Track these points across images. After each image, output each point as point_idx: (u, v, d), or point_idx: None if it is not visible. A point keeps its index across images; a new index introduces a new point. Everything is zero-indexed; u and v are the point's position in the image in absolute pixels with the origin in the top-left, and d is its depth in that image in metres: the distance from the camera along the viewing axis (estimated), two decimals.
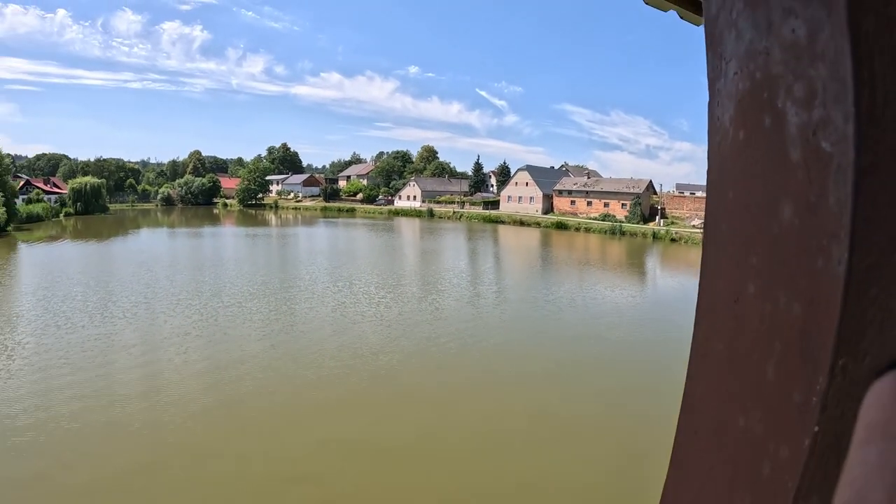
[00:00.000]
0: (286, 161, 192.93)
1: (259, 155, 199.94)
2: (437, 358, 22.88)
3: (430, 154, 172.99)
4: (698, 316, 0.89)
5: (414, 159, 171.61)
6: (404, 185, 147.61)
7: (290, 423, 16.33)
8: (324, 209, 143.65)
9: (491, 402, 18.42)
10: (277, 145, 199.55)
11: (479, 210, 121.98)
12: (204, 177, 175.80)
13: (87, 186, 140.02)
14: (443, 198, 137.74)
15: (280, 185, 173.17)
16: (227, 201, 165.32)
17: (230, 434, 15.72)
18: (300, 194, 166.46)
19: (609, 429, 16.69)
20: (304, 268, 46.10)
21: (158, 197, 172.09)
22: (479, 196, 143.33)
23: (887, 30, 0.62)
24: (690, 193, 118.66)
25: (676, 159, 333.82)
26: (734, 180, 0.90)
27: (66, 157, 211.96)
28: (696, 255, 72.66)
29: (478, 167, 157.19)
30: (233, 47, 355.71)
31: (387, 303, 32.80)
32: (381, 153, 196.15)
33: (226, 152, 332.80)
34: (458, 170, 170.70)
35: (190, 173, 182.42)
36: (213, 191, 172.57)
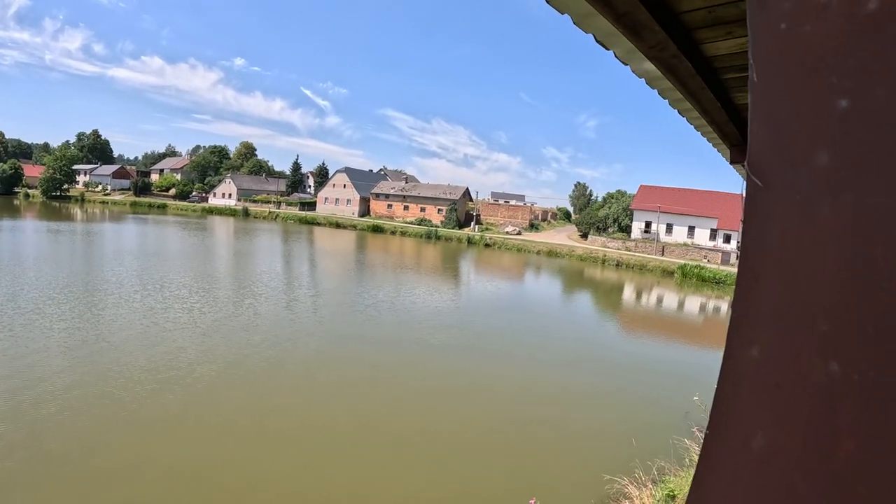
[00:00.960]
0: (96, 150, 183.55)
1: (67, 141, 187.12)
2: (256, 366, 22.38)
3: (248, 151, 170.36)
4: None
5: (232, 155, 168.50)
6: (220, 182, 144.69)
7: (96, 447, 15.32)
8: (133, 204, 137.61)
9: (315, 408, 18.49)
10: (88, 132, 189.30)
11: (295, 211, 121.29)
12: (5, 162, 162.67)
13: None
14: (259, 197, 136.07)
15: (88, 176, 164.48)
16: (30, 191, 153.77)
17: (29, 462, 14.40)
18: (109, 187, 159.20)
19: (437, 430, 17.15)
20: (111, 269, 43.66)
21: None
22: (296, 196, 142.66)
23: None
24: (505, 202, 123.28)
25: (493, 169, 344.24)
26: None
27: None
28: (508, 259, 75.78)
29: (296, 167, 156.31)
30: (51, 17, 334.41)
31: (201, 308, 31.79)
32: (198, 147, 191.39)
33: (32, 136, 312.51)
34: (277, 169, 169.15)
35: None
36: (15, 179, 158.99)
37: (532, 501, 10.97)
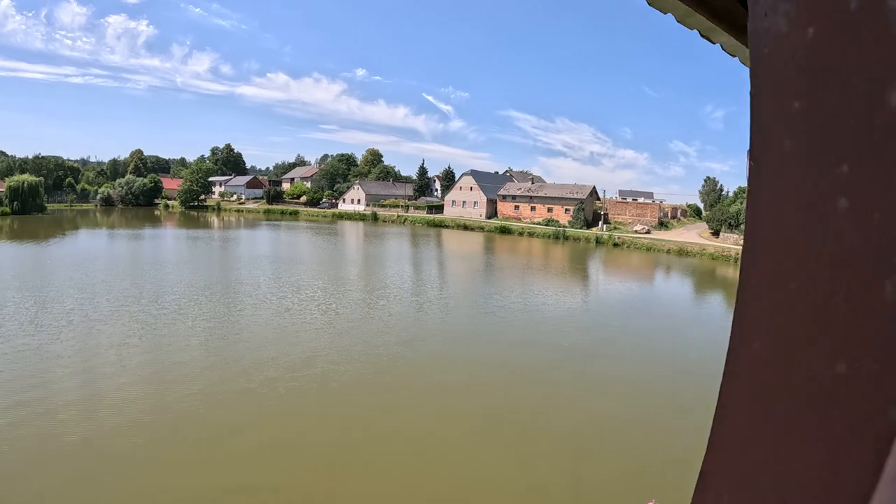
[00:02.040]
0: (230, 162, 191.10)
1: (202, 155, 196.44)
2: (390, 366, 22.45)
3: (375, 157, 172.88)
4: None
5: (359, 162, 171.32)
6: (349, 188, 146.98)
7: (234, 432, 15.96)
8: (267, 212, 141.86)
9: (447, 406, 18.39)
10: (221, 146, 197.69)
11: (423, 214, 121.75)
12: (145, 177, 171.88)
13: (25, 185, 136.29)
14: (387, 201, 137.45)
15: (223, 187, 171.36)
16: (169, 202, 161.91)
17: (169, 443, 15.29)
18: (243, 196, 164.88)
19: (567, 430, 16.80)
20: (248, 272, 45.23)
21: (98, 197, 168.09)
22: (423, 200, 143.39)
23: None
24: (632, 200, 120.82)
25: (619, 166, 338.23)
26: None
27: (3, 153, 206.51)
28: (637, 258, 73.93)
29: (423, 171, 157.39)
30: (179, 44, 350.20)
31: (336, 309, 32.17)
32: (326, 156, 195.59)
33: (168, 152, 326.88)
34: (403, 174, 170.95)
35: (131, 173, 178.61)
36: (155, 191, 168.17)
37: (651, 503, 10.62)
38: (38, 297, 33.94)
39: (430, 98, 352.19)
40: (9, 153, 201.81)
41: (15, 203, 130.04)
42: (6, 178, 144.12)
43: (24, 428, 16.09)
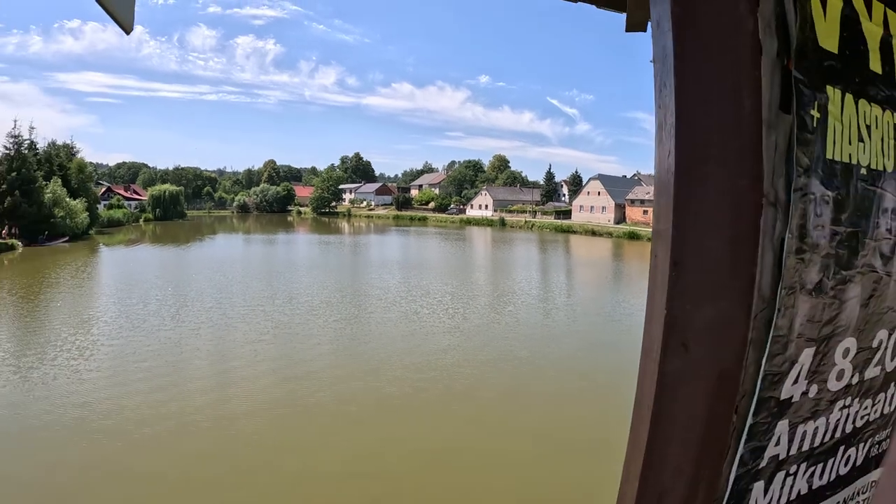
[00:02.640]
0: (359, 170, 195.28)
1: (332, 164, 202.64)
2: (514, 369, 22.38)
3: (501, 163, 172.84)
4: None
5: (486, 168, 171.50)
6: (476, 194, 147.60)
7: (355, 424, 16.45)
8: (396, 217, 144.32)
9: (565, 410, 18.36)
10: (350, 155, 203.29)
11: (550, 220, 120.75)
12: (279, 185, 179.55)
13: (166, 193, 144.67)
14: (514, 207, 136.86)
15: (353, 194, 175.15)
16: (301, 209, 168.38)
17: (294, 430, 16.06)
18: (373, 203, 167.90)
19: None
20: (378, 276, 46.15)
21: (234, 204, 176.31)
22: (550, 205, 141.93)
23: None
24: None
25: None
26: None
27: (145, 165, 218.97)
28: None
29: (549, 176, 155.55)
30: (305, 60, 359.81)
31: (464, 313, 32.24)
32: (453, 162, 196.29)
33: (300, 161, 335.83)
34: (530, 179, 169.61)
35: (265, 182, 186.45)
36: (288, 199, 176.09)
37: None
38: (180, 296, 35.93)
39: (554, 102, 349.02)
40: (150, 165, 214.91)
41: (157, 210, 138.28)
42: (149, 188, 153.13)
43: (163, 409, 17.50)
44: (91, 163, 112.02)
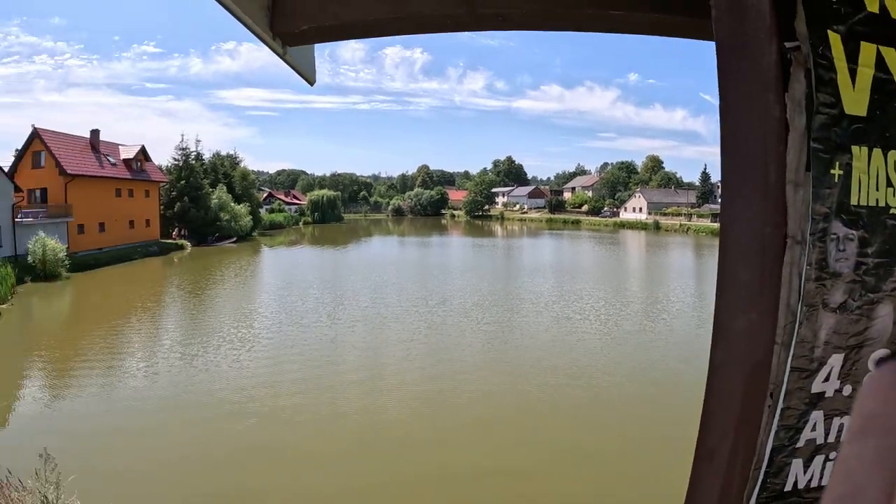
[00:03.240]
0: (511, 173, 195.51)
1: (485, 168, 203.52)
2: (664, 379, 21.98)
3: (655, 164, 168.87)
4: None
5: (639, 170, 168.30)
6: (629, 196, 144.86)
7: (497, 424, 16.91)
8: (549, 221, 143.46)
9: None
10: (502, 158, 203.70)
11: (706, 223, 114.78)
12: (432, 189, 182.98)
13: (324, 198, 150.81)
14: (669, 210, 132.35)
15: (506, 197, 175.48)
16: (455, 212, 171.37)
17: (440, 430, 16.58)
18: (525, 206, 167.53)
19: None
20: (530, 280, 46.39)
21: (389, 208, 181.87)
22: (706, 208, 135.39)
23: None
24: None
25: None
26: None
27: (303, 172, 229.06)
28: None
29: (705, 177, 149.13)
30: (452, 66, 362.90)
31: (616, 320, 31.72)
32: (606, 164, 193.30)
33: (452, 166, 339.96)
34: (685, 180, 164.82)
35: (419, 186, 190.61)
36: (441, 202, 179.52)
37: None
38: (336, 295, 37.87)
39: (707, 97, 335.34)
40: (309, 172, 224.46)
41: (316, 213, 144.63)
42: (308, 193, 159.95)
43: (315, 398, 19.12)
44: (253, 171, 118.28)
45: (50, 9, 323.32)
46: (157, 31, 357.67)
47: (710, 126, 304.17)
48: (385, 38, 2.82)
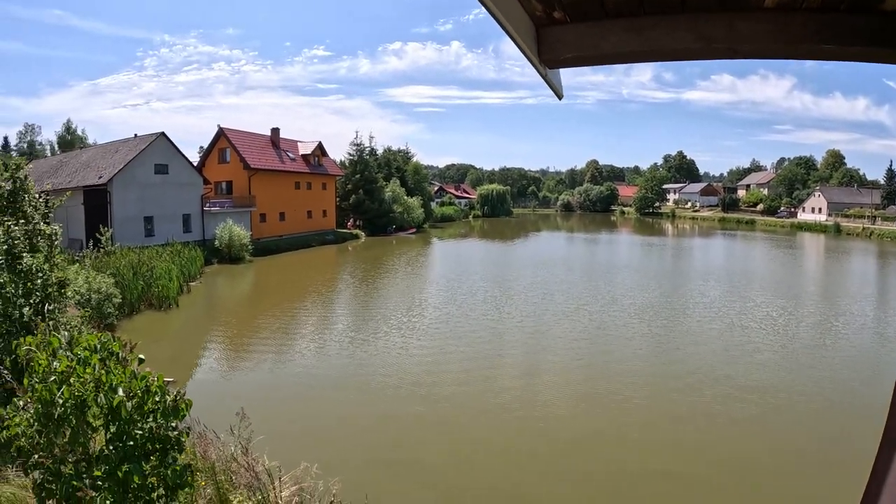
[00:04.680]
0: (682, 169, 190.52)
1: (655, 163, 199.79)
2: (839, 399, 20.48)
3: (836, 160, 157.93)
4: None
5: (818, 166, 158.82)
6: (808, 195, 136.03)
7: (660, 428, 16.67)
8: (721, 220, 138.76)
9: None
10: (672, 153, 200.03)
11: (892, 227, 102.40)
12: (601, 185, 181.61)
13: (494, 192, 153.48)
14: (851, 211, 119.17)
15: (676, 194, 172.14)
16: (624, 209, 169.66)
17: (597, 429, 16.56)
18: (697, 204, 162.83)
19: None
20: (701, 281, 45.04)
21: (558, 203, 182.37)
22: (892, 209, 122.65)
23: None
24: None
25: None
26: None
27: (472, 166, 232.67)
28: None
29: (891, 175, 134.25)
30: None
31: (787, 330, 29.59)
32: (783, 160, 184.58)
33: (621, 161, 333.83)
34: (869, 178, 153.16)
35: (588, 181, 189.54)
36: (611, 198, 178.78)
37: None
38: (505, 289, 38.60)
39: (891, 84, 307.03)
40: (477, 166, 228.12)
41: (485, 207, 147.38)
42: (478, 187, 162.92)
43: (477, 388, 19.75)
44: (424, 165, 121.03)
45: (224, 21, 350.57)
46: (326, 35, 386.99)
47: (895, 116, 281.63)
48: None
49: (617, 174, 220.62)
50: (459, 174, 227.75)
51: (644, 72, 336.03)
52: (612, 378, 20.94)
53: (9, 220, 12.89)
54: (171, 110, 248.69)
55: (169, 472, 6.87)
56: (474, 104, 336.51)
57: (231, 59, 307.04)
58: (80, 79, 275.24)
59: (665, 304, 34.74)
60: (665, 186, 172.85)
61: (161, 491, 6.97)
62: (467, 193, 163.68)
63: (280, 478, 9.86)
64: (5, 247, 12.22)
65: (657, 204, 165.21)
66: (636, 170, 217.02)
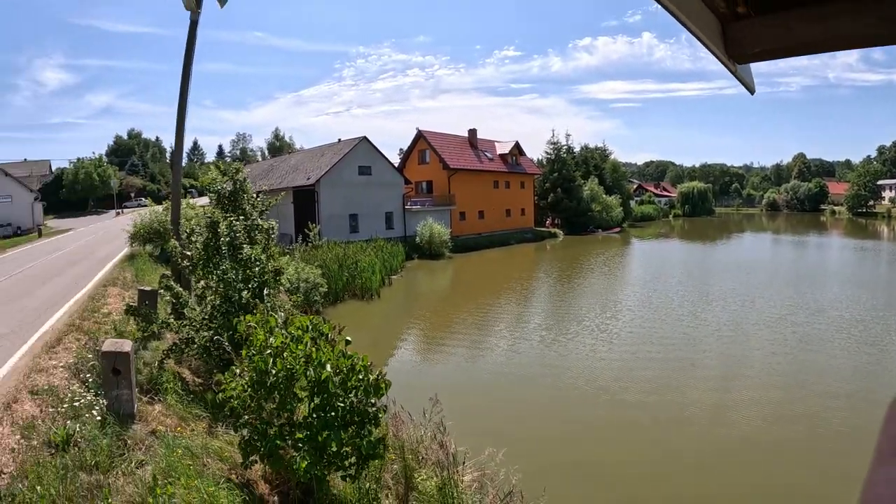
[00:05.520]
0: None
1: (868, 156, 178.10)
2: None
3: None
4: None
5: None
6: None
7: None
8: None
9: None
10: (888, 143, 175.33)
11: None
12: (810, 181, 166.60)
13: (695, 190, 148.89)
14: None
15: (893, 191, 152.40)
16: (835, 208, 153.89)
17: (788, 451, 15.42)
18: None
19: None
20: None
21: (763, 202, 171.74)
22: None
23: None
24: None
25: None
26: None
27: (671, 163, 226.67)
28: None
29: None
30: None
31: None
32: None
33: (831, 154, 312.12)
34: None
35: (795, 177, 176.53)
36: (820, 196, 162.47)
37: None
38: (703, 294, 37.22)
39: None
40: (677, 162, 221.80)
41: (686, 206, 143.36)
42: (678, 185, 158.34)
43: (663, 396, 19.33)
44: (622, 162, 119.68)
45: (414, 30, 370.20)
46: (515, 35, 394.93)
47: None
48: None
49: (826, 169, 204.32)
50: (658, 171, 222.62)
51: (849, 52, 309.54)
52: (810, 400, 19.22)
53: (231, 216, 14.72)
54: (371, 115, 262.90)
55: (364, 442, 7.84)
56: (671, 97, 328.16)
57: (424, 64, 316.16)
58: (285, 91, 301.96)
59: (878, 320, 30.35)
60: (880, 182, 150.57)
61: (353, 459, 7.96)
62: (667, 192, 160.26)
63: (464, 462, 10.74)
64: (228, 238, 13.97)
65: (871, 203, 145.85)
66: (847, 164, 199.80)
